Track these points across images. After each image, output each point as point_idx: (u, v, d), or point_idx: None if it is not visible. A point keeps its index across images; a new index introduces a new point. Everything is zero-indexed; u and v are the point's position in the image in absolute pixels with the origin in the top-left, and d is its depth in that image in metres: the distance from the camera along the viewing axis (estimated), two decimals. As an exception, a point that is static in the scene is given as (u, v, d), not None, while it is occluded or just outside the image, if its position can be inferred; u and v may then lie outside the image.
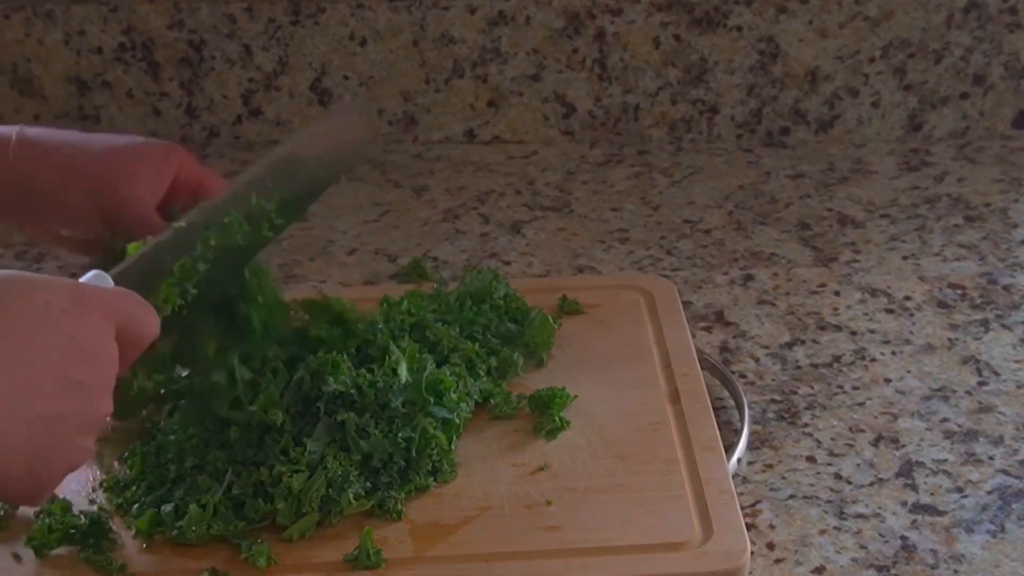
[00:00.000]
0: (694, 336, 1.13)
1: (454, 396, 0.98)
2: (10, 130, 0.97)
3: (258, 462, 0.92)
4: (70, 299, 0.77)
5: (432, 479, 0.94)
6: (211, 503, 0.90)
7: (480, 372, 1.04)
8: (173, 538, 0.90)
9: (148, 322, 0.83)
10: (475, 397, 1.01)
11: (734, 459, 1.00)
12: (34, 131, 0.97)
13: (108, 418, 0.80)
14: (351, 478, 0.91)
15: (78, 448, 0.78)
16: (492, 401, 1.03)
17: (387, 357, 0.98)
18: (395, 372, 0.97)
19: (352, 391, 0.94)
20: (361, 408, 0.95)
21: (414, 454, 0.94)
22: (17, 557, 0.90)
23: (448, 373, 1.00)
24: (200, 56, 1.54)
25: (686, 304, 1.21)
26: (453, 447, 0.97)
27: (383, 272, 1.31)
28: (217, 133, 1.59)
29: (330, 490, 0.90)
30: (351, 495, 0.90)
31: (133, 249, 0.91)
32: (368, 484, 0.92)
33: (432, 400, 0.97)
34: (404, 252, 1.34)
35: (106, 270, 0.86)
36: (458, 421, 0.98)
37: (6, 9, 1.53)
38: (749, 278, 1.27)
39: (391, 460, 0.93)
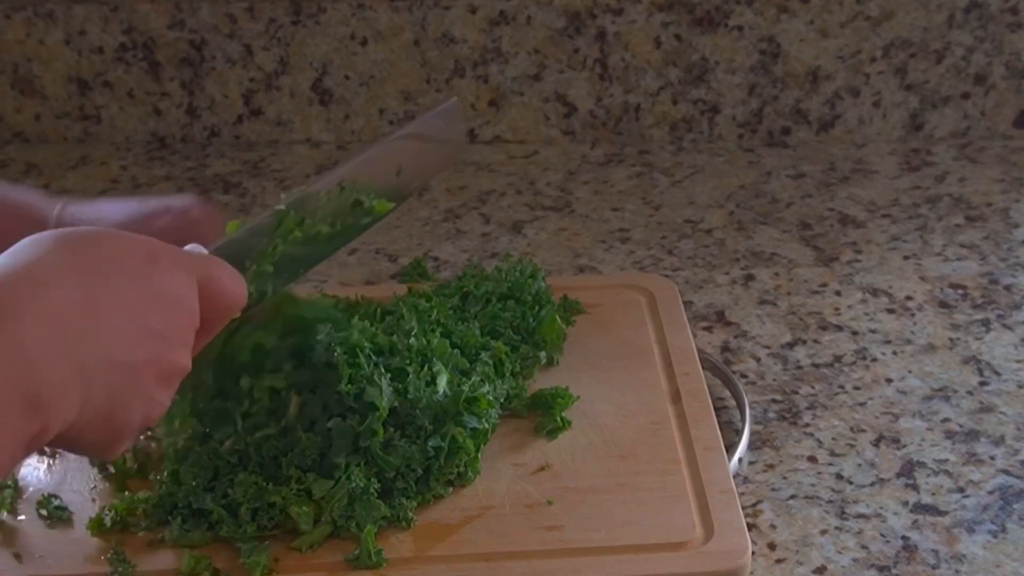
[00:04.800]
0: (695, 336, 1.13)
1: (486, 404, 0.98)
2: (49, 211, 0.94)
3: (277, 477, 0.92)
4: (148, 250, 0.76)
5: (450, 487, 0.94)
6: (216, 507, 0.90)
7: (506, 371, 1.04)
8: (175, 540, 0.90)
9: (235, 288, 0.82)
10: (501, 400, 1.01)
11: (735, 459, 1.00)
12: (75, 209, 0.94)
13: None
14: (371, 489, 0.90)
15: (153, 399, 0.77)
16: (512, 403, 1.02)
17: (425, 366, 0.97)
18: (433, 381, 0.96)
19: (383, 402, 0.93)
20: (392, 423, 0.94)
21: (441, 462, 0.93)
22: (18, 557, 0.90)
23: (480, 379, 0.99)
24: (201, 56, 1.54)
25: (687, 304, 1.21)
26: (480, 454, 0.96)
27: (384, 272, 1.31)
28: (218, 133, 1.59)
29: (354, 504, 0.90)
30: (374, 514, 0.89)
31: (232, 227, 0.90)
32: (378, 485, 0.91)
33: (464, 412, 0.96)
34: (405, 252, 1.34)
35: None
36: (487, 427, 0.97)
37: (7, 9, 1.53)
38: (750, 278, 1.27)
39: (409, 469, 0.93)
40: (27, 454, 0.70)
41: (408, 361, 0.97)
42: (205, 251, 0.84)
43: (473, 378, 0.99)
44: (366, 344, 0.97)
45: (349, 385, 0.93)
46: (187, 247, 0.83)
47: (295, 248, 0.92)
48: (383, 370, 0.95)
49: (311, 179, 0.92)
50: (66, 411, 0.71)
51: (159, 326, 0.75)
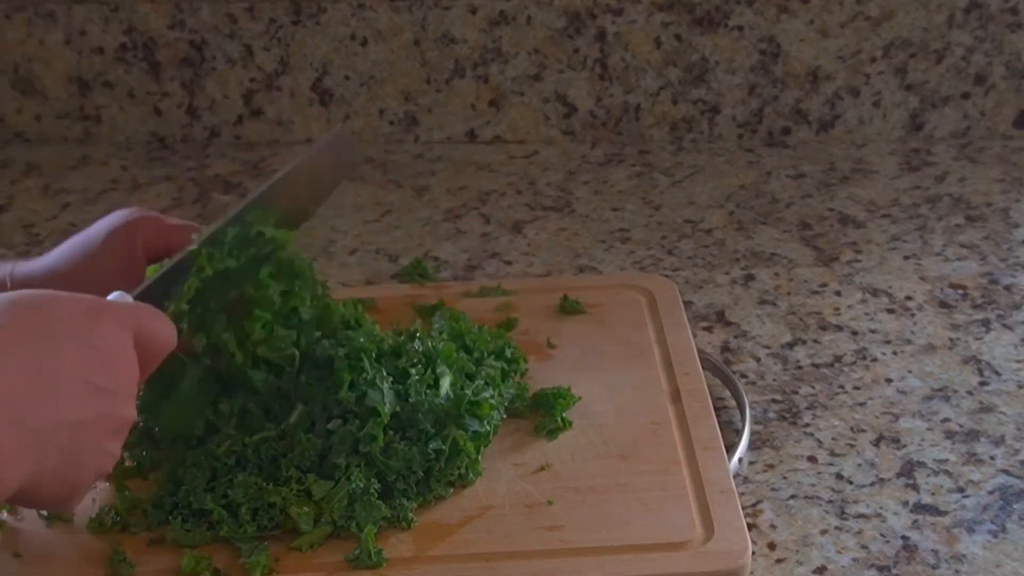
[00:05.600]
0: (695, 336, 1.13)
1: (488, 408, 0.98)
2: (3, 273, 0.98)
3: (276, 478, 0.92)
4: (87, 309, 0.79)
5: (451, 489, 0.94)
6: (216, 507, 0.90)
7: (513, 372, 1.04)
8: (175, 540, 0.90)
9: (164, 331, 0.85)
10: (504, 404, 1.01)
11: (735, 459, 1.00)
12: (24, 268, 0.98)
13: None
14: (371, 490, 0.90)
15: (105, 452, 0.80)
16: (514, 404, 1.02)
17: (429, 369, 0.98)
18: (436, 384, 0.97)
19: (385, 408, 0.93)
20: (393, 426, 0.94)
21: (442, 465, 0.93)
22: (18, 556, 0.90)
23: (483, 383, 0.99)
24: (201, 56, 1.55)
25: (687, 304, 1.21)
26: (480, 456, 0.96)
27: (384, 272, 1.31)
28: (218, 133, 1.59)
29: (354, 505, 0.90)
30: (374, 515, 0.90)
31: (151, 272, 0.93)
32: (378, 485, 0.91)
33: (467, 416, 0.96)
34: (405, 252, 1.34)
35: None
36: (489, 430, 0.97)
37: (8, 9, 1.53)
38: (750, 278, 1.27)
39: (410, 471, 0.93)
40: None
41: (415, 362, 0.98)
42: (131, 298, 0.87)
43: (477, 381, 0.99)
44: (373, 347, 0.98)
45: (349, 393, 0.94)
46: (112, 296, 0.86)
47: (209, 283, 0.94)
48: (385, 373, 0.95)
49: (219, 218, 0.96)
50: (19, 476, 0.74)
51: (105, 383, 0.79)
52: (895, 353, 1.15)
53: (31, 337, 0.76)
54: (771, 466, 1.02)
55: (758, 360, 1.15)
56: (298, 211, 1.04)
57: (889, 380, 1.11)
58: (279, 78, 1.55)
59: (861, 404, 1.09)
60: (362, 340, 0.98)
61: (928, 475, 1.00)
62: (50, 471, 0.76)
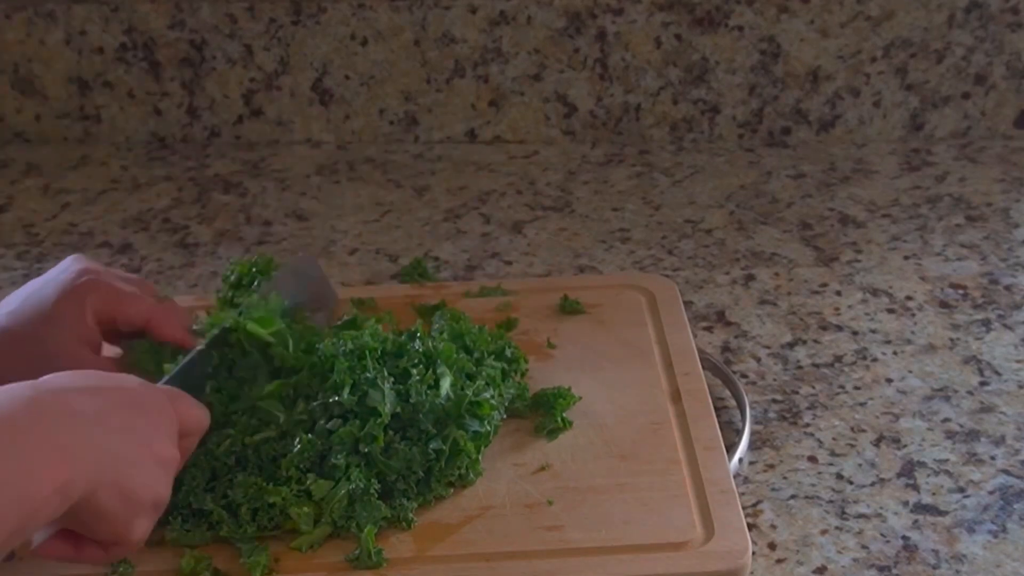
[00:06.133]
0: (695, 336, 1.13)
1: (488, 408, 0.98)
2: None
3: (276, 478, 0.92)
4: (134, 389, 0.84)
5: (451, 489, 0.94)
6: (216, 508, 0.90)
7: (514, 372, 1.04)
8: (175, 539, 0.90)
9: (199, 413, 0.89)
10: (505, 404, 1.01)
11: (735, 459, 1.00)
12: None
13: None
14: (371, 490, 0.90)
15: (156, 478, 0.82)
16: (514, 404, 1.02)
17: (429, 369, 0.98)
18: (437, 384, 0.97)
19: (386, 408, 0.93)
20: (394, 426, 0.94)
21: (442, 465, 0.93)
22: (18, 557, 0.90)
23: (484, 383, 0.99)
24: (201, 56, 1.54)
25: (687, 304, 1.21)
26: (481, 456, 0.96)
27: (384, 272, 1.31)
28: (218, 133, 1.59)
29: (354, 505, 0.90)
30: (374, 515, 0.90)
31: (167, 369, 0.97)
32: (378, 485, 0.91)
33: (467, 416, 0.96)
34: (405, 252, 1.34)
35: None
36: (489, 430, 0.97)
37: (7, 9, 1.53)
38: (750, 278, 1.27)
39: (410, 471, 0.93)
40: (54, 509, 0.74)
41: (415, 362, 0.98)
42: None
43: (477, 382, 0.99)
44: (378, 346, 0.98)
45: (350, 397, 0.94)
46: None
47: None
48: (387, 374, 0.95)
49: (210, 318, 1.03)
50: (85, 467, 0.76)
51: (147, 430, 0.82)
52: (895, 353, 1.15)
53: (116, 408, 0.80)
54: (771, 466, 1.02)
55: (758, 360, 1.15)
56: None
57: (889, 380, 1.11)
58: (279, 78, 1.55)
59: (861, 404, 1.09)
60: (367, 339, 0.98)
61: (928, 475, 1.00)
62: (109, 481, 0.78)
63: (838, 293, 1.24)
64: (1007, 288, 1.24)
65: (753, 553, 0.89)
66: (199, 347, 0.99)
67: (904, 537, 0.94)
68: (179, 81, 1.56)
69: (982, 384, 1.10)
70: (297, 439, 0.92)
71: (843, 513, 0.97)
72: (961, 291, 1.23)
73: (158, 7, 1.52)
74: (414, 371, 0.97)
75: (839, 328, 1.19)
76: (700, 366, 1.07)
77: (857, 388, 1.11)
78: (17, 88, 1.58)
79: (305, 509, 0.90)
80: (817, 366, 1.14)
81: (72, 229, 1.42)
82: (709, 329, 1.19)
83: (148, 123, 1.59)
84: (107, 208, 1.46)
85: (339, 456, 0.91)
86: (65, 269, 1.00)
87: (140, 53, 1.55)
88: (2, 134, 1.61)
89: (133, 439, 0.80)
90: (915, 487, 0.99)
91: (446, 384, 0.96)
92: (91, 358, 0.97)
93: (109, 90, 1.57)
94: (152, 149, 1.59)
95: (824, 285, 1.26)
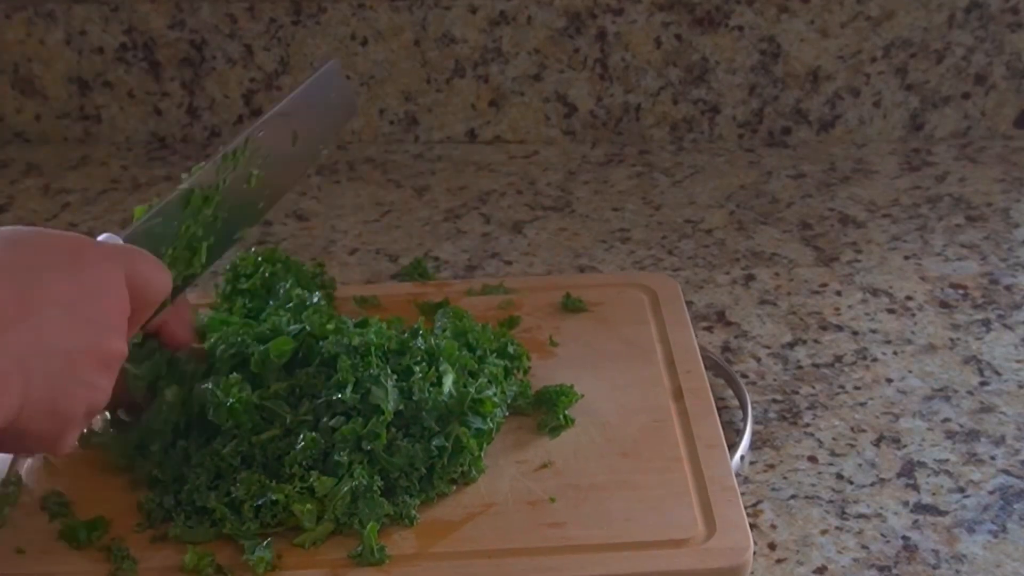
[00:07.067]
0: (696, 336, 1.13)
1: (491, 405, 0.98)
2: None
3: (279, 475, 0.92)
4: (72, 245, 0.79)
5: (454, 486, 0.94)
6: (219, 505, 0.90)
7: (516, 370, 1.04)
8: (178, 536, 0.90)
9: (160, 277, 0.85)
10: (507, 402, 1.01)
11: (737, 456, 1.00)
12: None
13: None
14: (374, 487, 0.90)
15: (95, 386, 0.80)
16: (517, 401, 1.02)
17: (432, 367, 0.98)
18: (439, 381, 0.97)
19: (389, 405, 0.93)
20: (397, 423, 0.94)
21: (445, 462, 0.93)
22: (21, 551, 0.90)
23: (487, 381, 0.99)
24: (201, 56, 1.55)
25: (687, 304, 1.21)
26: (483, 453, 0.96)
27: (384, 272, 1.31)
28: (218, 133, 1.59)
29: (357, 502, 0.90)
30: (377, 512, 0.90)
31: (139, 212, 0.92)
32: (381, 482, 0.91)
33: (470, 413, 0.96)
34: (405, 252, 1.34)
35: None
36: (492, 427, 0.97)
37: (7, 9, 1.53)
38: (750, 278, 1.27)
39: (413, 468, 0.93)
40: None
41: (418, 360, 0.98)
42: (120, 240, 0.86)
43: (480, 379, 0.99)
44: (383, 343, 0.98)
45: (353, 395, 0.94)
46: (101, 236, 0.86)
47: (204, 227, 0.93)
48: (390, 371, 0.96)
49: (211, 156, 0.96)
50: (8, 402, 0.73)
51: (92, 315, 0.78)
52: (895, 353, 1.15)
53: (14, 268, 0.76)
54: (771, 466, 1.02)
55: (758, 360, 1.15)
56: (301, 155, 1.03)
57: (889, 380, 1.11)
58: (279, 78, 1.55)
59: (861, 404, 1.09)
60: (372, 336, 0.98)
61: (928, 475, 1.00)
62: (39, 401, 0.76)
63: (838, 293, 1.24)
64: (1007, 288, 1.24)
65: (753, 553, 0.89)
66: (176, 190, 0.92)
67: (904, 537, 0.94)
68: (179, 81, 1.56)
69: (982, 384, 1.11)
70: (300, 436, 0.92)
71: (843, 513, 0.97)
72: (961, 291, 1.24)
73: (158, 7, 1.52)
74: (417, 369, 0.97)
75: (839, 328, 1.19)
76: (702, 364, 1.07)
77: (857, 388, 1.11)
78: (17, 88, 1.58)
79: (308, 506, 0.90)
80: (817, 366, 1.14)
81: (72, 229, 1.42)
82: (709, 329, 1.19)
83: (148, 123, 1.59)
84: (107, 208, 1.46)
85: (342, 453, 0.91)
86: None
87: (140, 53, 1.55)
88: (2, 134, 1.61)
89: (71, 347, 0.77)
90: (915, 487, 0.99)
91: (449, 382, 0.97)
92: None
93: (109, 90, 1.57)
94: (152, 149, 1.59)
95: (824, 285, 1.26)
